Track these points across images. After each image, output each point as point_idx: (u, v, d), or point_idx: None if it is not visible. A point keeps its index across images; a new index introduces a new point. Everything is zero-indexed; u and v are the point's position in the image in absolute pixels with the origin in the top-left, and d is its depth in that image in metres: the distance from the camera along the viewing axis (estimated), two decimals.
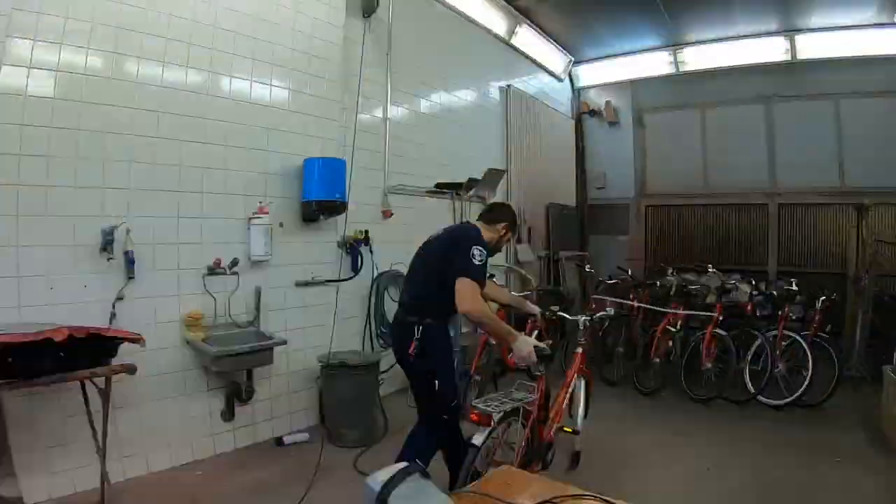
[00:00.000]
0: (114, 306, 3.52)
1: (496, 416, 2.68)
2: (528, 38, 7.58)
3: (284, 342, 4.09)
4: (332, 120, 4.78)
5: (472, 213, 6.59)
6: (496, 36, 7.12)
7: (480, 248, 2.77)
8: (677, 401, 5.45)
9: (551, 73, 8.48)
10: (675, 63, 8.18)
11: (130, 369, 2.88)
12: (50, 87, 3.28)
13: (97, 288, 3.47)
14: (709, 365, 5.38)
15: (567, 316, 4.04)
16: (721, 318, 5.51)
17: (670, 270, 6.58)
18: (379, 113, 5.41)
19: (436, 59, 6.19)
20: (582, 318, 3.77)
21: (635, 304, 5.85)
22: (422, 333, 2.87)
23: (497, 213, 3.25)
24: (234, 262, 4.05)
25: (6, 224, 3.17)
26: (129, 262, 3.56)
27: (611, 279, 6.55)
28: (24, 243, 3.22)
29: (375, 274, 5.21)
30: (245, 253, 4.15)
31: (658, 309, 5.82)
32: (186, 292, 3.88)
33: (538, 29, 7.64)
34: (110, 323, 3.46)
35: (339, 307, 4.73)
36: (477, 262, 2.73)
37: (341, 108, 4.85)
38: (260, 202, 4.18)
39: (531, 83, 8.08)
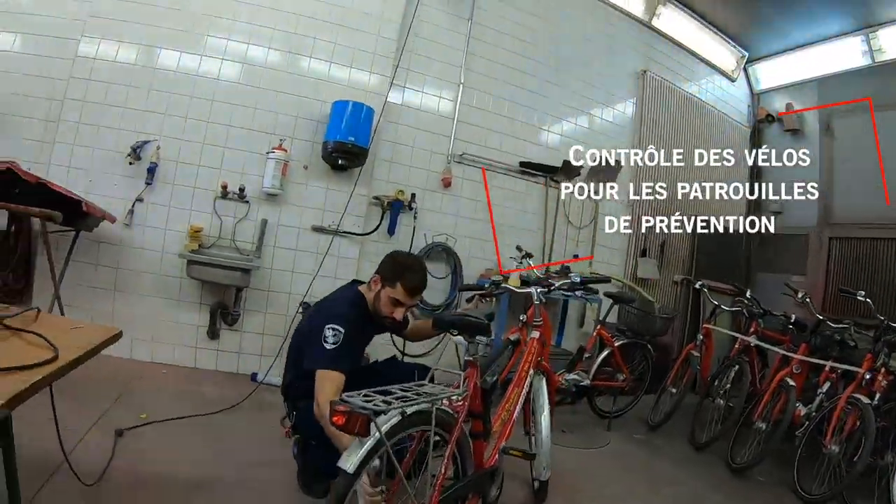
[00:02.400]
0: (133, 205, 4.53)
1: (383, 422, 1.82)
2: (676, 22, 7.04)
3: (257, 267, 4.56)
4: (384, 76, 5.22)
5: (583, 209, 6.38)
6: (628, 14, 6.79)
7: (335, 328, 2.46)
8: (772, 489, 4.03)
9: (717, 70, 7.61)
10: (870, 51, 6.61)
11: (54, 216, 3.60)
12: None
13: (123, 188, 4.53)
14: (834, 448, 3.77)
15: (512, 288, 3.69)
16: (873, 379, 3.85)
17: None
18: (451, 77, 5.65)
19: (539, 31, 6.15)
20: (537, 291, 3.42)
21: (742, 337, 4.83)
22: (297, 418, 2.67)
23: (380, 265, 2.82)
24: (242, 189, 4.71)
25: (70, 129, 4.48)
26: (150, 170, 4.53)
27: (733, 306, 5.50)
28: (80, 143, 4.49)
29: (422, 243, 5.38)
30: (259, 185, 4.77)
31: (767, 346, 4.72)
32: (198, 209, 4.68)
33: (691, 12, 7.02)
34: (127, 217, 4.52)
35: (361, 265, 5.06)
36: (329, 347, 2.42)
37: (394, 65, 5.26)
38: (281, 140, 4.80)
39: (685, 76, 7.38)
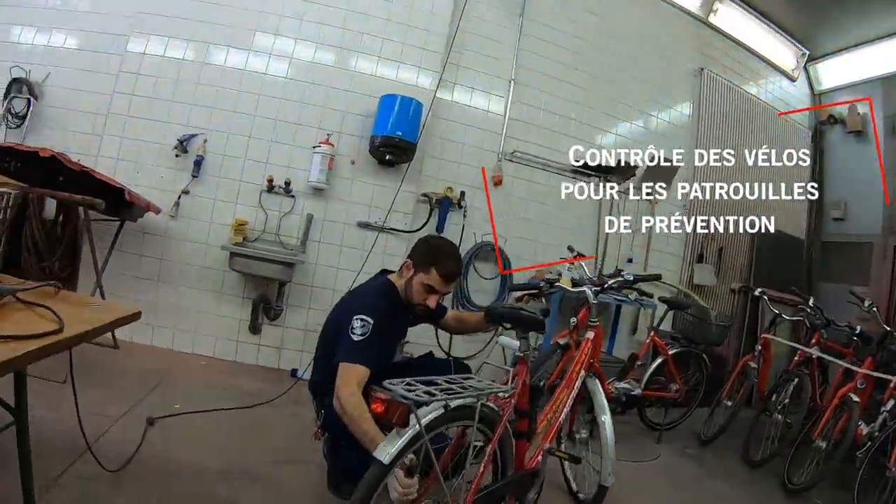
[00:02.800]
0: (179, 197, 4.53)
1: (424, 413, 1.74)
2: (734, 19, 6.75)
3: (301, 261, 4.50)
4: (433, 72, 5.09)
5: (638, 212, 6.05)
6: (684, 10, 6.50)
7: (363, 318, 2.29)
8: None
9: (777, 68, 7.25)
10: None
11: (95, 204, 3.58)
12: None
13: (169, 180, 4.55)
14: None
15: (566, 287, 3.46)
16: None
17: None
18: (502, 73, 5.49)
19: (592, 27, 5.92)
20: (591, 289, 3.18)
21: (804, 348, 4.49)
22: (325, 416, 2.43)
23: (412, 250, 2.63)
24: (288, 183, 4.64)
25: (119, 122, 4.54)
26: (196, 163, 4.53)
27: (795, 316, 5.12)
28: (128, 136, 4.53)
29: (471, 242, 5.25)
30: (305, 180, 4.70)
31: (830, 359, 4.38)
32: (243, 203, 4.65)
33: (749, 8, 6.72)
34: (173, 209, 4.52)
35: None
36: (357, 338, 2.26)
37: (443, 61, 5.12)
38: (328, 134, 4.71)
39: (744, 75, 7.03)
